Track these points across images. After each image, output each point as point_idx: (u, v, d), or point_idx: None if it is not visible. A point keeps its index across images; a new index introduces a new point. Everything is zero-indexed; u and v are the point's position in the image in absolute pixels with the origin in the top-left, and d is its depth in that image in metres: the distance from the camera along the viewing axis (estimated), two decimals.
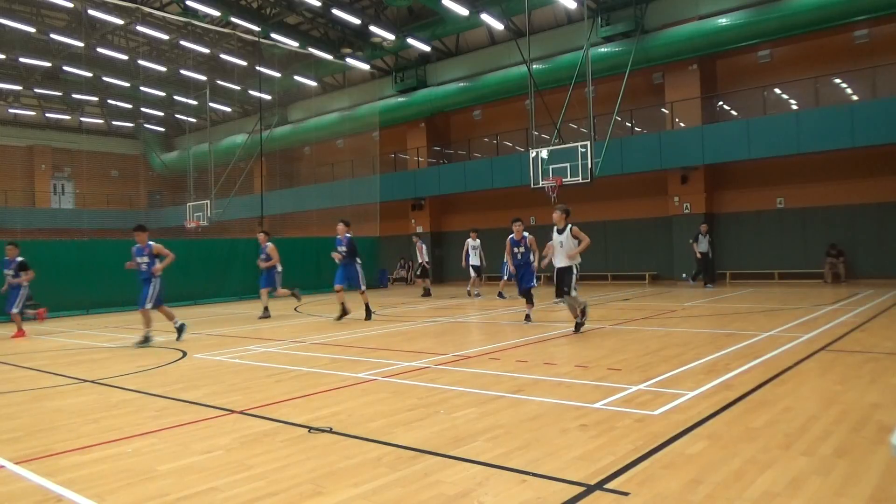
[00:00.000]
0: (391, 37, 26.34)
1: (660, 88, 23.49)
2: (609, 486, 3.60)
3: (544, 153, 19.65)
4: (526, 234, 12.12)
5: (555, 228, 10.21)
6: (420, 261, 20.76)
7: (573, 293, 10.00)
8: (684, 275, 21.04)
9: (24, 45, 29.67)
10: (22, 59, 30.42)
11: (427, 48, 27.09)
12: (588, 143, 18.71)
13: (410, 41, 26.25)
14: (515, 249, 12.00)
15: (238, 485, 3.87)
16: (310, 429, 4.98)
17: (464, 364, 7.76)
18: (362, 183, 28.98)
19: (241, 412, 5.70)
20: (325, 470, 4.07)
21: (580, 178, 18.74)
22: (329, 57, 28.09)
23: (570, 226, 10.00)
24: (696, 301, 15.34)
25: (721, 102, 23.06)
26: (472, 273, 19.06)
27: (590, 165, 18.57)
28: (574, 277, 10.02)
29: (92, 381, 7.56)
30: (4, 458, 4.57)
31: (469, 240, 18.87)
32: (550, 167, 19.42)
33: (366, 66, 29.62)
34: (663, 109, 23.36)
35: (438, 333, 11.10)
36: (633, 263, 22.67)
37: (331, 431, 4.92)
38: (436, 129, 30.07)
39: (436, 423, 5.07)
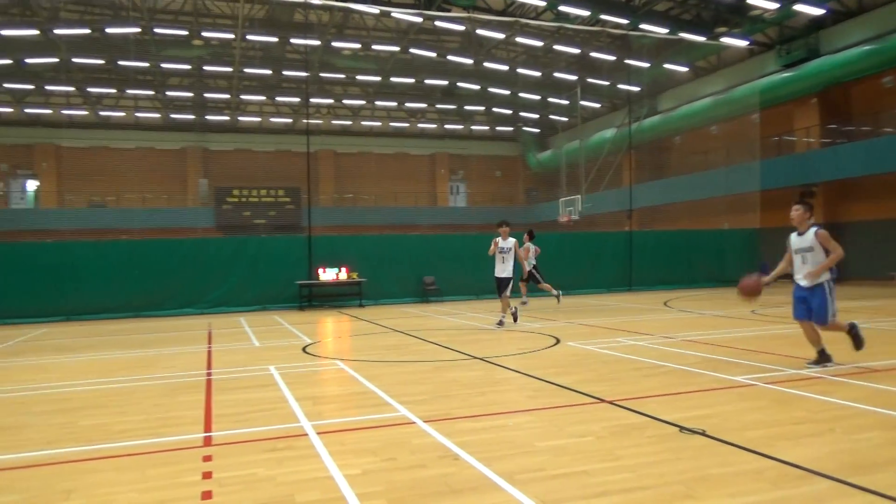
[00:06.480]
0: (774, 6, 23.69)
1: None
2: None
3: None
4: None
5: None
6: None
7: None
8: None
9: (428, 69, 34.94)
10: (426, 81, 35.91)
11: (820, 11, 23.63)
12: None
13: (798, 7, 23.20)
14: None
15: (608, 473, 3.97)
16: (681, 428, 4.83)
17: (867, 378, 6.62)
18: (739, 170, 26.88)
19: (610, 402, 5.82)
20: (697, 474, 3.91)
21: None
22: (702, 39, 26.60)
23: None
24: None
25: None
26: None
27: None
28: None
29: (480, 359, 8.57)
30: (416, 415, 5.49)
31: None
32: None
33: (744, 44, 27.21)
34: None
35: (833, 340, 9.64)
36: None
37: (703, 434, 4.70)
38: (831, 103, 26.01)
39: (829, 443, 4.44)
